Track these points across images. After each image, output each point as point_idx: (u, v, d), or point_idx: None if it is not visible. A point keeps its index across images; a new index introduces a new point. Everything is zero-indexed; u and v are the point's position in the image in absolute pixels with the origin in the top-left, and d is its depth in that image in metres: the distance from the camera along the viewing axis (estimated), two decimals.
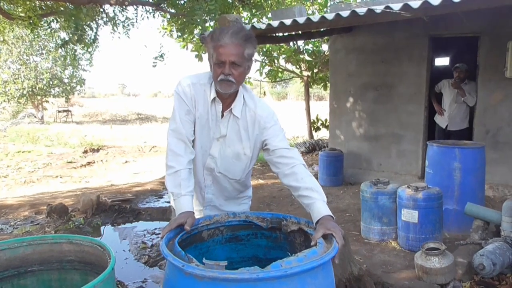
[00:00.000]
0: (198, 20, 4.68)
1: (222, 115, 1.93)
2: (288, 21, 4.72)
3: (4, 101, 20.61)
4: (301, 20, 4.64)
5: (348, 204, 5.31)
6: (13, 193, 7.26)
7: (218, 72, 1.81)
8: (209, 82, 1.93)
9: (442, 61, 9.30)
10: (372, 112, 6.28)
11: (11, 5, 6.67)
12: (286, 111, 18.02)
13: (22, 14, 6.67)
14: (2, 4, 6.25)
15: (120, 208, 5.31)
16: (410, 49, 5.81)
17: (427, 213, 3.58)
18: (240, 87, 1.92)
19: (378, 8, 4.06)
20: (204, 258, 1.38)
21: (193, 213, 1.78)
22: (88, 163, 10.15)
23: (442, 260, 3.01)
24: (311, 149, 9.56)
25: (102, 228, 4.90)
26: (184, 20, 6.50)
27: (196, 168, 2.01)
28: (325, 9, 9.08)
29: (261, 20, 8.47)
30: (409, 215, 3.63)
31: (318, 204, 1.74)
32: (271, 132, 1.93)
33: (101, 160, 10.54)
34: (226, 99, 1.92)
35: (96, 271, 1.65)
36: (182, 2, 6.41)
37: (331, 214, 1.71)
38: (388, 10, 3.96)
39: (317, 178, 6.27)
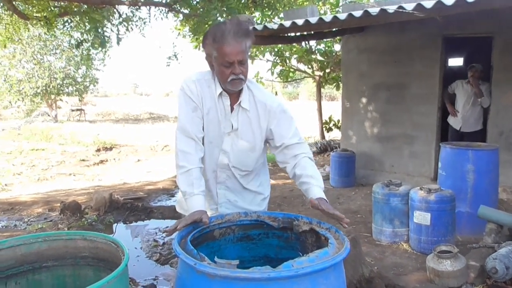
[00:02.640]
0: (211, 21, 4.69)
1: (232, 109, 1.93)
2: (300, 21, 4.72)
3: (18, 99, 20.89)
4: (313, 20, 4.64)
5: (359, 206, 5.29)
6: (27, 190, 7.36)
7: (227, 72, 1.81)
8: (212, 78, 1.93)
9: (456, 62, 9.19)
10: (384, 112, 6.24)
11: (26, 5, 6.76)
12: (298, 111, 17.94)
13: (38, 15, 6.76)
14: (16, 4, 6.34)
15: (132, 206, 5.37)
16: (423, 49, 5.75)
17: (439, 215, 3.55)
18: None
19: (391, 8, 4.03)
20: (215, 257, 1.39)
21: (206, 211, 1.79)
22: (101, 162, 10.26)
23: (454, 263, 2.99)
24: (322, 149, 9.52)
25: (114, 225, 4.96)
26: (197, 20, 6.52)
27: (206, 165, 2.00)
28: (337, 9, 9.03)
29: (273, 20, 8.46)
30: (421, 217, 3.60)
31: (315, 188, 1.83)
32: (281, 123, 1.96)
33: (114, 159, 10.65)
34: (232, 93, 1.93)
35: (110, 267, 1.66)
36: (195, 2, 6.43)
37: (325, 198, 1.80)
38: (401, 10, 3.94)
39: (328, 179, 6.35)
